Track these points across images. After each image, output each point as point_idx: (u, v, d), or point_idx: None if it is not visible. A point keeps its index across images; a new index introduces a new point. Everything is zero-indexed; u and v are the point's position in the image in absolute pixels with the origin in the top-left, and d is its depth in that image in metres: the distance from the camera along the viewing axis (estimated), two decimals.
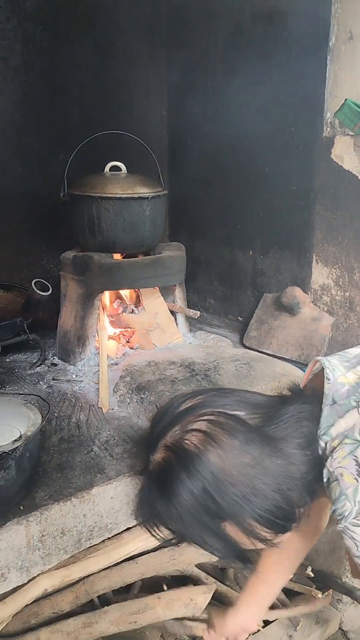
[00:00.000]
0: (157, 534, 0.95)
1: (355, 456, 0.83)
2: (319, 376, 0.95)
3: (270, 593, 1.43)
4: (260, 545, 0.92)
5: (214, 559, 1.83)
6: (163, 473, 0.89)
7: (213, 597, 1.78)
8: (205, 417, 0.88)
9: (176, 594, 1.72)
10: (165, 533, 0.95)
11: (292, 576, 1.56)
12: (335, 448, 0.86)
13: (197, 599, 1.70)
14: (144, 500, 0.94)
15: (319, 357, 0.97)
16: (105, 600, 1.75)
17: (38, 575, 1.22)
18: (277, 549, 0.98)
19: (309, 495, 0.90)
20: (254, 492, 0.84)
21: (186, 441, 0.87)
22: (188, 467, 0.85)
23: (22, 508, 1.12)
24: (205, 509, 0.85)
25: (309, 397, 0.93)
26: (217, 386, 1.49)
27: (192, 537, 0.91)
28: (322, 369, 0.94)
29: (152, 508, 0.91)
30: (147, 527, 0.96)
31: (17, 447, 1.06)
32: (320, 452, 0.89)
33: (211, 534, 0.88)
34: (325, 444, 0.88)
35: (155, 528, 0.95)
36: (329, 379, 0.91)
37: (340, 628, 1.95)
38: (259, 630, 1.86)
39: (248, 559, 0.93)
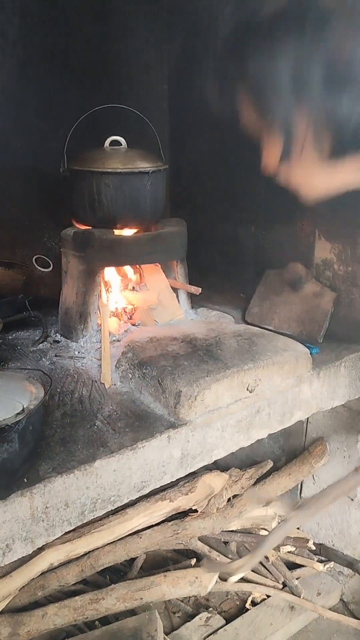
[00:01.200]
0: None
1: None
2: None
3: None
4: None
5: (217, 532, 1.85)
6: None
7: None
8: None
9: (182, 573, 1.76)
10: None
11: None
12: None
13: (202, 577, 1.74)
14: None
15: None
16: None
17: (42, 547, 1.23)
18: None
19: None
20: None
21: None
22: None
23: (25, 480, 1.13)
24: None
25: None
26: (221, 362, 1.49)
27: None
28: None
29: None
30: None
31: (20, 419, 1.07)
32: None
33: None
34: None
35: None
36: None
37: (341, 599, 1.99)
38: (263, 600, 1.89)
39: None
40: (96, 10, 2.12)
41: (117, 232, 1.80)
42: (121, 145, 1.79)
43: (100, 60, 2.17)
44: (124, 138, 1.79)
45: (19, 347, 1.78)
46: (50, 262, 1.82)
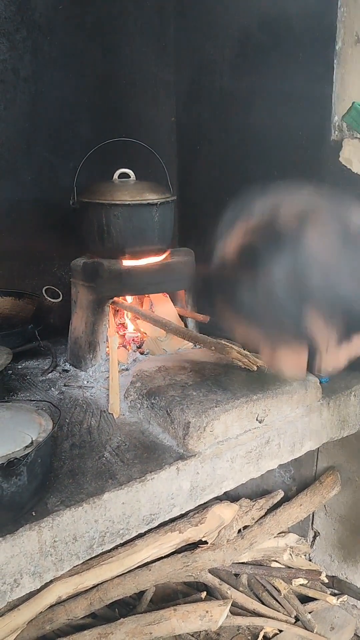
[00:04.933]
0: (226, 318, 0.89)
1: None
2: None
3: None
4: (332, 343, 0.86)
5: (227, 564, 1.83)
6: (250, 252, 0.83)
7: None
8: (299, 199, 0.83)
9: (192, 606, 1.72)
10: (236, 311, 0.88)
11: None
12: None
13: (213, 611, 1.70)
14: (220, 283, 0.87)
15: None
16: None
17: (51, 581, 1.22)
18: None
19: None
20: (345, 281, 0.79)
21: (280, 220, 0.81)
22: (279, 245, 0.79)
23: (34, 514, 1.12)
24: (290, 289, 0.80)
25: None
26: (229, 391, 1.49)
27: (266, 317, 0.84)
28: None
29: (229, 289, 0.85)
30: (220, 311, 0.89)
31: (29, 453, 1.07)
32: None
33: (290, 317, 0.82)
34: None
35: (225, 312, 0.89)
36: None
37: (355, 634, 1.94)
38: (275, 635, 1.85)
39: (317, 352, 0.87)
40: (105, 47, 2.18)
41: (126, 262, 1.82)
42: (130, 177, 1.82)
43: (110, 94, 2.22)
44: (132, 170, 1.83)
45: (28, 377, 1.79)
46: (60, 293, 1.84)
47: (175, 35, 2.33)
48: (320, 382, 1.64)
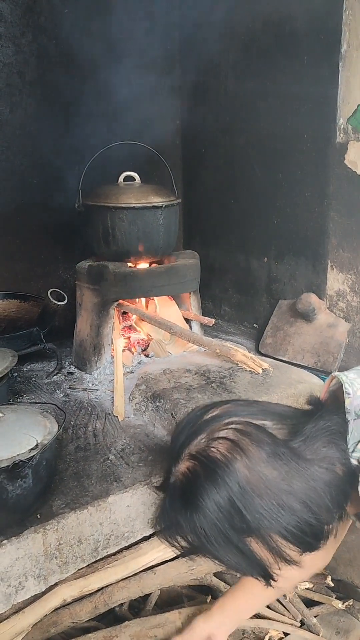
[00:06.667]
0: (176, 546, 0.91)
1: None
2: (339, 391, 0.93)
3: (250, 605, 1.35)
4: (284, 565, 0.86)
5: None
6: (188, 483, 0.85)
7: None
8: (232, 426, 0.85)
9: (197, 609, 1.71)
10: (183, 544, 0.91)
11: (280, 596, 1.47)
12: None
13: None
14: (165, 512, 0.89)
15: (335, 373, 0.95)
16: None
17: (56, 583, 1.22)
18: None
19: (338, 513, 0.87)
20: (281, 506, 0.80)
21: (212, 449, 0.83)
22: (215, 476, 0.81)
23: (39, 516, 1.12)
24: (230, 522, 0.81)
25: (334, 410, 0.90)
26: (234, 394, 1.49)
27: (214, 552, 0.86)
28: (341, 385, 0.91)
29: (174, 520, 0.87)
30: (167, 539, 0.91)
31: (34, 455, 1.07)
32: (353, 468, 0.86)
33: (234, 549, 0.84)
34: (358, 460, 0.85)
35: (174, 540, 0.91)
36: (348, 394, 0.88)
37: None
38: (280, 639, 1.84)
39: (271, 576, 0.87)
40: (110, 50, 2.18)
41: (131, 265, 1.82)
42: (135, 180, 1.82)
43: (114, 98, 2.22)
44: (137, 173, 1.83)
45: (33, 379, 1.79)
46: (65, 296, 1.84)
47: (181, 38, 2.34)
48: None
